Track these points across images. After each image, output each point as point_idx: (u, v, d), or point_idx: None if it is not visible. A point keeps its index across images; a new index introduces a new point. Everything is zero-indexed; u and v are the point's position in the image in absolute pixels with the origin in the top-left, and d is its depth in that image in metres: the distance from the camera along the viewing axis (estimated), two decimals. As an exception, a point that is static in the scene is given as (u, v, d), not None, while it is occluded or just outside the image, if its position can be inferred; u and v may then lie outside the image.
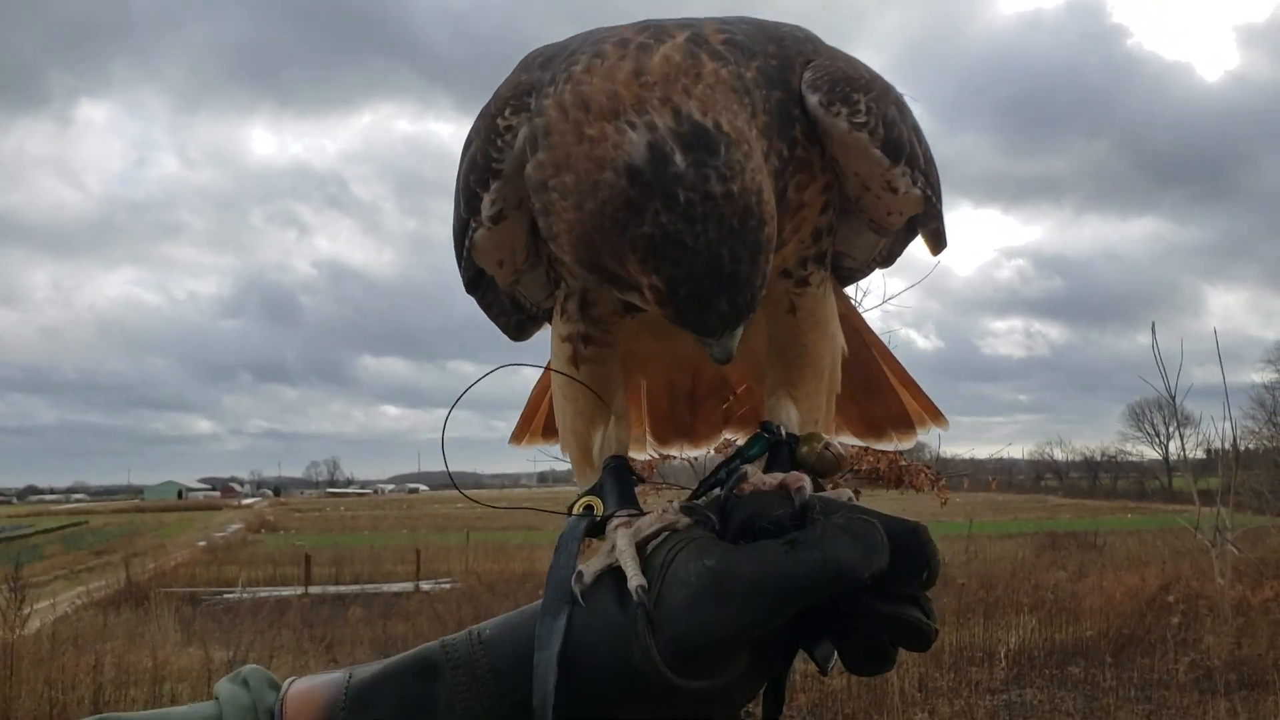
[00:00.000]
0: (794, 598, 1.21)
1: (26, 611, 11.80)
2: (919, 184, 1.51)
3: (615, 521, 1.42)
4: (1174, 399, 16.58)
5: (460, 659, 1.31)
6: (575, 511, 1.50)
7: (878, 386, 1.91)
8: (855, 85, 1.44)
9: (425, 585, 27.48)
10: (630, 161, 1.21)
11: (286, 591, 27.33)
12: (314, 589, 27.56)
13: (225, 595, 27.18)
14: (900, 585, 1.25)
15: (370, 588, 28.09)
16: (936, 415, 1.93)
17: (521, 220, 1.53)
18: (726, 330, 1.28)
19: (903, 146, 1.48)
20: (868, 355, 1.91)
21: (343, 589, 27.69)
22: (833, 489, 1.48)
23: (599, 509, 1.49)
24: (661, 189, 1.20)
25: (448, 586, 27.76)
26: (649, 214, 1.20)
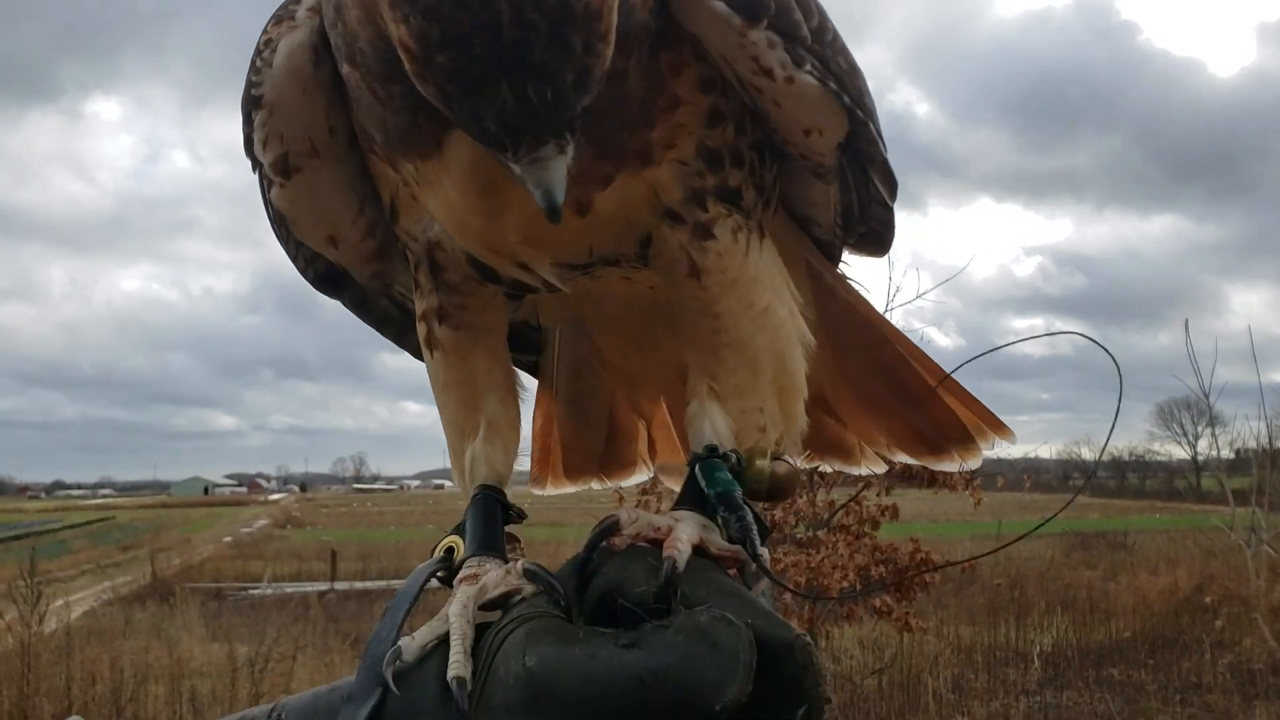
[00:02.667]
0: None
1: (43, 609, 11.70)
2: (808, 67, 1.18)
3: (463, 573, 1.17)
4: (1207, 397, 16.27)
5: None
6: (436, 554, 1.25)
7: (915, 394, 1.57)
8: None
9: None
10: None
11: (312, 587, 27.29)
12: (340, 584, 27.52)
13: (250, 590, 27.24)
14: (771, 712, 0.94)
15: (396, 583, 27.85)
16: (998, 425, 1.59)
17: (328, 174, 1.27)
18: (520, 138, 0.94)
19: (761, 3, 1.14)
20: (895, 356, 1.58)
21: (369, 584, 27.64)
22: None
23: (460, 552, 1.23)
24: None
25: (472, 583, 27.50)
26: None
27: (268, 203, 1.32)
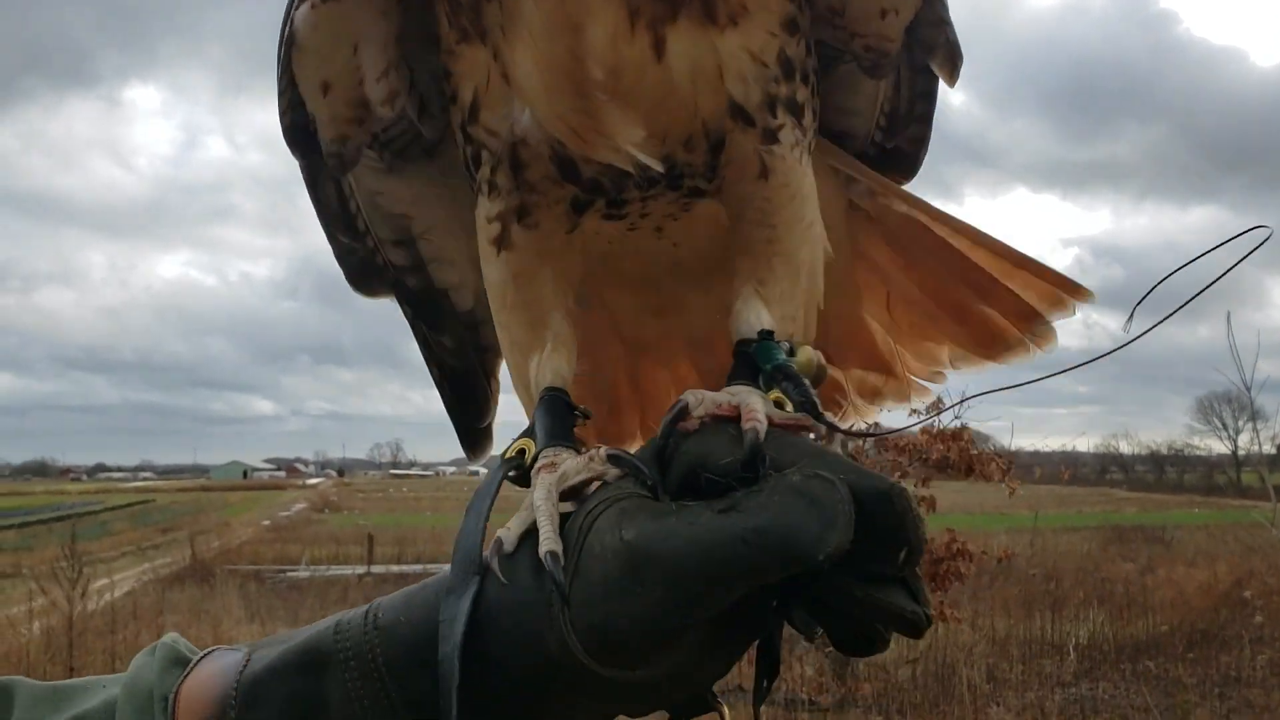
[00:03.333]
0: (728, 584, 0.95)
1: (85, 587, 11.91)
2: None
3: (539, 463, 1.18)
4: (1249, 391, 16.08)
5: (352, 648, 1.08)
6: (507, 455, 1.26)
7: (982, 286, 1.53)
8: None
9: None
10: None
11: (349, 570, 27.55)
12: (376, 568, 27.75)
13: (289, 573, 27.51)
14: (875, 563, 0.97)
15: (432, 567, 28.12)
16: (1074, 288, 1.52)
17: (364, 16, 1.27)
18: None
19: None
20: (953, 253, 1.54)
21: (405, 568, 27.85)
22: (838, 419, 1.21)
23: (531, 453, 1.24)
24: None
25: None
26: None
27: (288, 22, 1.28)
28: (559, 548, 1.03)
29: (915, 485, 11.61)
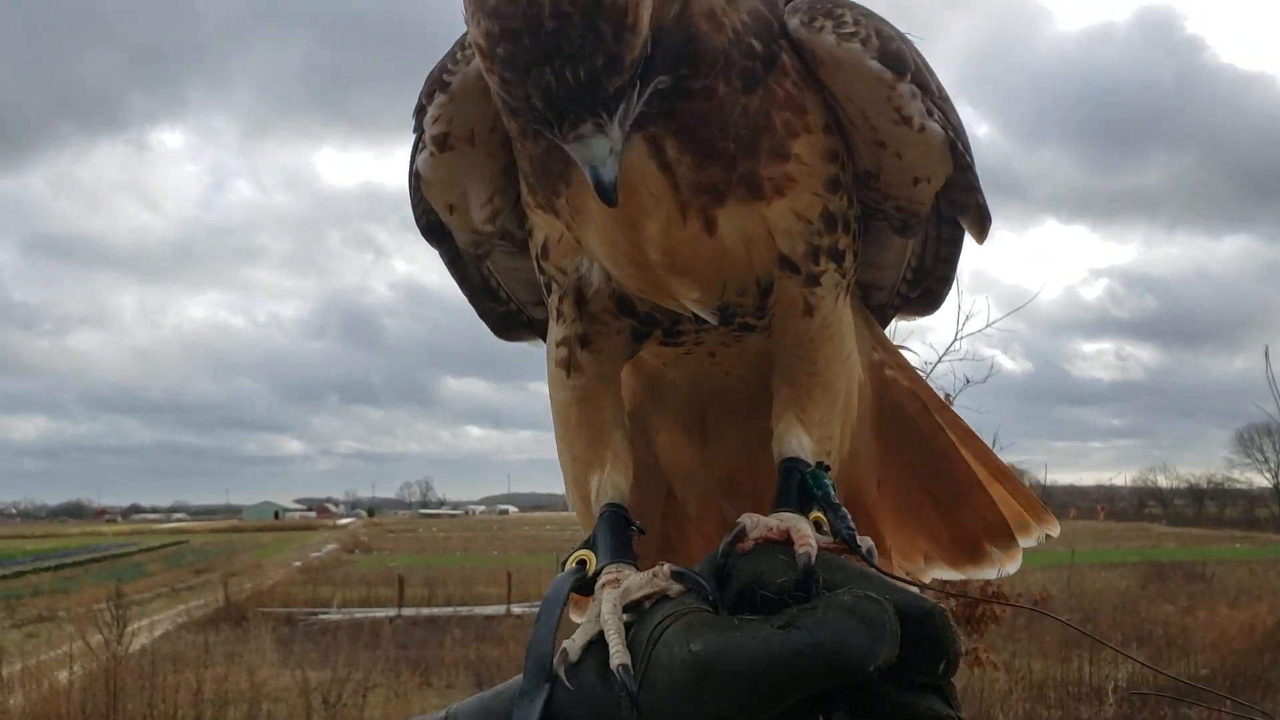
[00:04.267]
0: (788, 690, 1.07)
1: (130, 629, 12.00)
2: (935, 117, 1.34)
3: (603, 579, 1.29)
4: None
5: None
6: (568, 566, 1.37)
7: (965, 484, 1.67)
8: (839, 3, 1.31)
9: (517, 609, 27.48)
10: None
11: (380, 613, 27.58)
12: (407, 610, 27.77)
13: (321, 616, 27.57)
14: (916, 673, 1.10)
15: (463, 610, 28.23)
16: (1041, 515, 1.68)
17: (473, 162, 1.43)
18: (564, 117, 1.10)
19: (905, 61, 1.32)
20: (946, 442, 1.69)
21: (435, 611, 27.87)
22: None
23: (591, 564, 1.35)
24: None
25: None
26: None
27: (413, 161, 1.46)
28: (629, 660, 1.15)
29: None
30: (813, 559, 1.17)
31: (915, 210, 1.46)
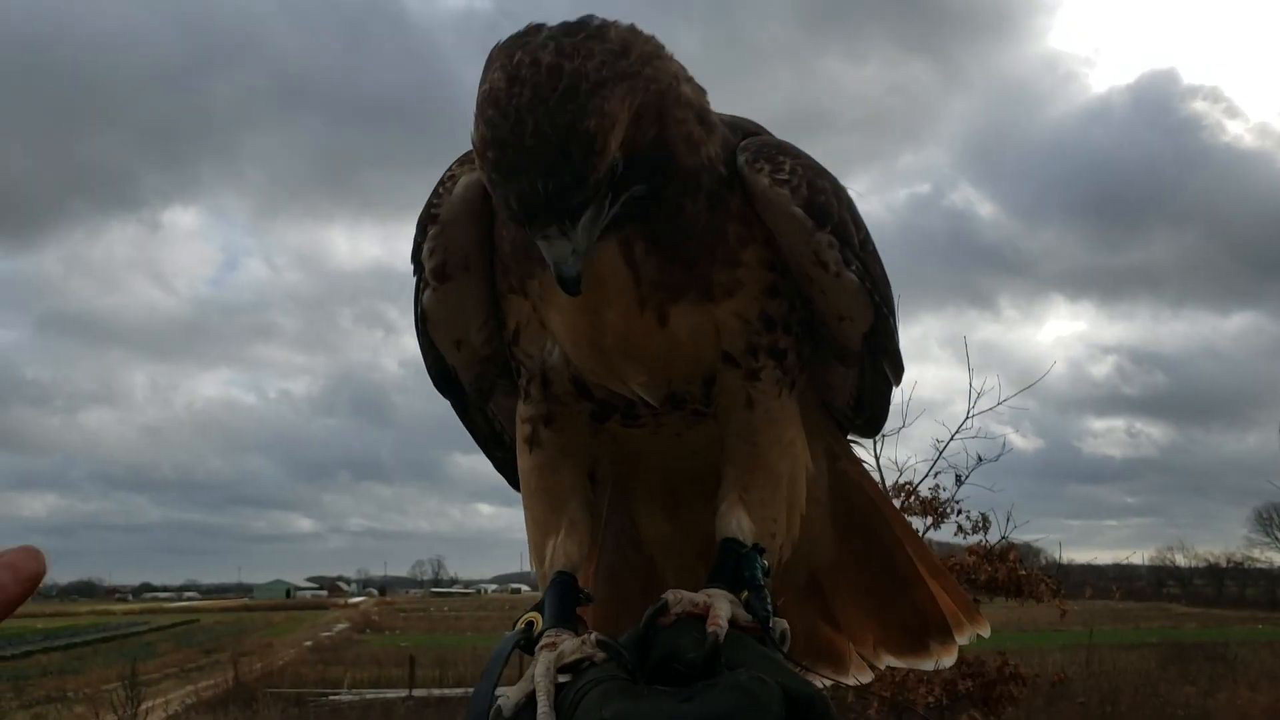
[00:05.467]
0: None
1: (146, 706, 11.92)
2: (853, 267, 1.50)
3: (543, 641, 1.43)
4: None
5: None
6: (518, 626, 1.51)
7: (907, 576, 1.83)
8: (784, 151, 1.47)
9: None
10: (510, 36, 1.30)
11: (391, 694, 27.29)
12: (418, 692, 27.48)
13: (331, 696, 27.28)
14: None
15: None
16: (974, 616, 1.84)
17: (470, 288, 1.57)
18: (535, 218, 1.26)
19: (829, 213, 1.47)
20: (891, 536, 1.84)
21: (447, 692, 27.56)
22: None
23: (538, 625, 1.49)
24: (507, 51, 1.27)
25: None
26: (489, 72, 1.27)
27: (418, 303, 1.62)
28: (554, 719, 1.30)
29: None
30: (720, 639, 1.32)
31: (846, 345, 1.62)
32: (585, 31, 1.27)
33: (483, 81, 1.28)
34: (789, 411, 1.59)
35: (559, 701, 1.31)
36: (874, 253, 1.55)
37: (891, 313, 1.60)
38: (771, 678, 1.22)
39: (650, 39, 1.36)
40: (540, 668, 1.36)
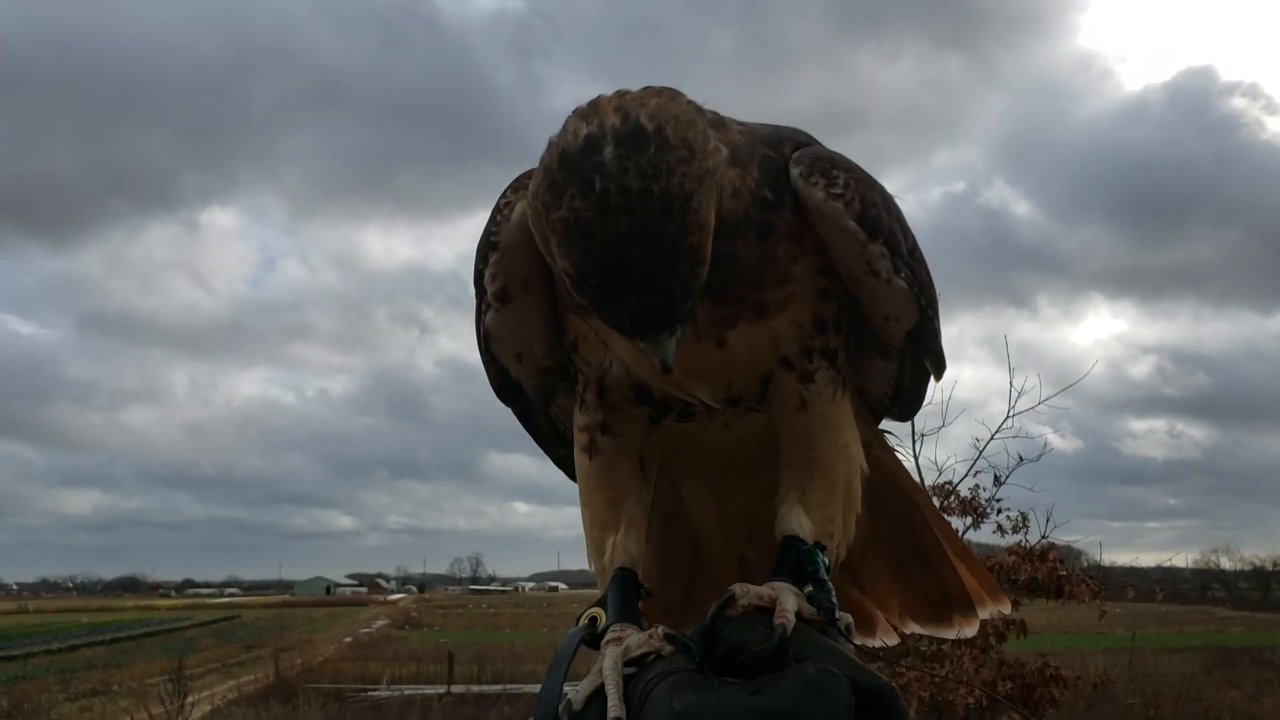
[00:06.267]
0: None
1: (190, 700, 12.07)
2: (903, 274, 1.54)
3: (608, 636, 1.45)
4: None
5: None
6: (581, 622, 1.53)
7: (934, 556, 1.90)
8: (836, 164, 1.50)
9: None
10: (565, 148, 1.27)
11: (430, 689, 27.45)
12: (456, 687, 27.63)
13: (370, 692, 27.48)
14: None
15: (511, 688, 28.02)
16: (996, 594, 1.92)
17: (530, 306, 1.61)
18: (646, 332, 1.29)
19: (880, 225, 1.50)
20: (920, 519, 1.91)
21: (485, 688, 27.69)
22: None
23: (601, 621, 1.52)
24: (580, 175, 1.24)
25: (588, 689, 27.22)
26: (566, 197, 1.25)
27: (480, 323, 1.66)
28: (624, 713, 1.32)
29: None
30: (788, 631, 1.34)
31: (890, 343, 1.67)
32: (652, 144, 1.25)
33: (554, 204, 1.26)
34: (844, 414, 1.63)
35: (627, 694, 1.33)
36: (921, 259, 1.60)
37: (936, 314, 1.64)
38: (840, 670, 1.24)
39: (686, 112, 1.32)
40: (608, 661, 1.38)
